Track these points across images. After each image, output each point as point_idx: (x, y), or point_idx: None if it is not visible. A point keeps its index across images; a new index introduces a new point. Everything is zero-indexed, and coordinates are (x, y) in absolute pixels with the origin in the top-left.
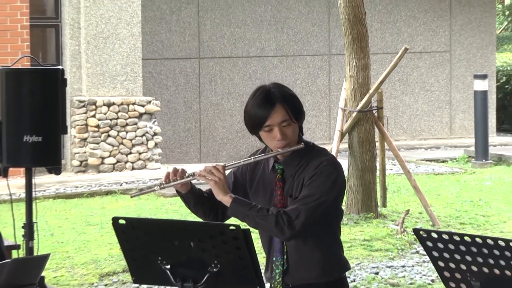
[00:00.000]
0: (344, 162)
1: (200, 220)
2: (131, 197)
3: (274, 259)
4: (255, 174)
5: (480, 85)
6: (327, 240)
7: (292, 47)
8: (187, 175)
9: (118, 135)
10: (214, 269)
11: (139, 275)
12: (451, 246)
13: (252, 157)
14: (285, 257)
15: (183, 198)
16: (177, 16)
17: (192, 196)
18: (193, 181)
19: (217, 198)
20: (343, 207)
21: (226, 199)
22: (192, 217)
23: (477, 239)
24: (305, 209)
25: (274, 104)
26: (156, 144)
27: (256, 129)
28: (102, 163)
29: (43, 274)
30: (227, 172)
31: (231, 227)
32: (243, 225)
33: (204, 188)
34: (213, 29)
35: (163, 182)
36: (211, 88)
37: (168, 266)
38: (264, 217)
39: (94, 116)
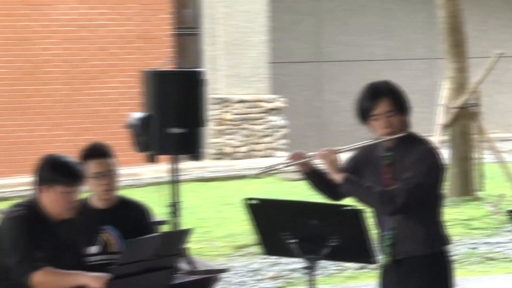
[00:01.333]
0: (445, 152)
1: (321, 200)
2: (259, 174)
3: (383, 234)
4: (368, 157)
5: None
6: (428, 219)
7: (398, 52)
8: (306, 156)
9: (249, 127)
10: (332, 244)
11: (268, 248)
12: None
13: (360, 143)
14: (392, 232)
15: (307, 177)
16: (299, 25)
17: (314, 175)
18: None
19: (331, 177)
20: (445, 191)
21: (338, 177)
22: (314, 199)
23: None
24: (404, 189)
25: (380, 96)
26: (282, 136)
27: (365, 118)
28: (236, 151)
29: (186, 246)
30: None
31: (347, 208)
32: (358, 206)
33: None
34: (331, 37)
35: (287, 162)
36: (329, 88)
37: (293, 240)
38: (370, 194)
39: (229, 111)
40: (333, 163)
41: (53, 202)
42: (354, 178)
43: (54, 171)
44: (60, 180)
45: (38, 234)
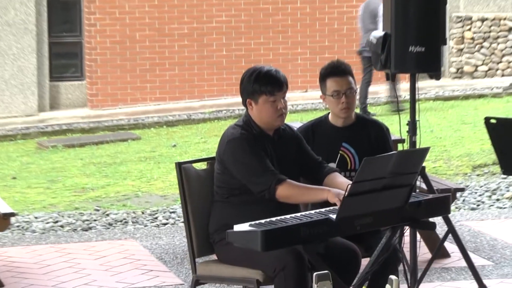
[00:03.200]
0: None
1: None
2: (507, 88)
3: None
4: None
5: None
6: None
7: None
8: None
9: (490, 46)
10: None
11: (507, 167)
12: None
13: None
14: None
15: None
16: None
17: None
18: None
19: None
20: None
21: None
22: None
23: None
24: None
25: None
26: None
27: None
28: (476, 70)
29: (423, 164)
30: None
31: None
32: None
33: None
34: None
35: None
36: None
37: None
38: None
39: (469, 30)
40: None
41: (261, 113)
42: None
43: (254, 82)
44: (262, 90)
45: (262, 149)
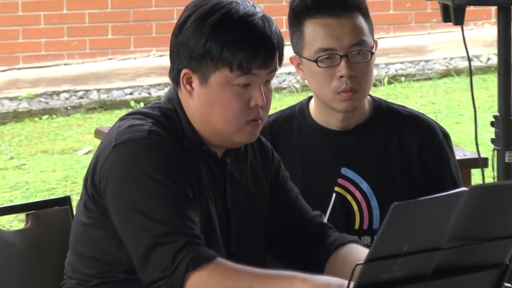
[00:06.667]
0: None
1: None
2: None
3: None
4: None
5: None
6: None
7: None
8: None
9: None
10: None
11: None
12: None
13: None
14: None
15: None
16: None
17: None
18: None
19: None
20: None
21: None
22: None
23: None
24: None
25: None
26: None
27: None
28: None
29: None
30: None
31: None
32: None
33: None
34: None
35: None
36: None
37: None
38: None
39: None
40: None
41: (210, 108)
42: None
43: (211, 35)
44: (225, 57)
45: (188, 182)
